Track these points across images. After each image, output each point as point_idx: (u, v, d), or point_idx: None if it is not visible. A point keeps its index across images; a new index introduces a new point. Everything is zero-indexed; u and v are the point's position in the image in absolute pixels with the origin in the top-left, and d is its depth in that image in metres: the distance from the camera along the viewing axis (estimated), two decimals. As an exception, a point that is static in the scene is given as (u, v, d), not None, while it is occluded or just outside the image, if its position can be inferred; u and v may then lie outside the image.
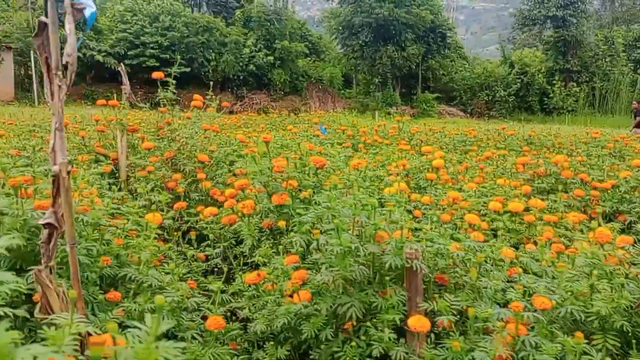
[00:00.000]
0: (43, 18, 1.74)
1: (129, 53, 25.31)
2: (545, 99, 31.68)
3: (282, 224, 2.66)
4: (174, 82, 5.26)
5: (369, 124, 10.35)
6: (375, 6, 27.75)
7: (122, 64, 17.53)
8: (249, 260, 2.83)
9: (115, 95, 24.95)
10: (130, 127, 4.73)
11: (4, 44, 23.50)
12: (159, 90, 5.35)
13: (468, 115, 30.43)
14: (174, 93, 5.26)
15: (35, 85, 23.35)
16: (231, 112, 27.07)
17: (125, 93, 15.50)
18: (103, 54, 24.95)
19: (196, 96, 5.53)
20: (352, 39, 29.28)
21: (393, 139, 6.79)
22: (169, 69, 22.64)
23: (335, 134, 7.42)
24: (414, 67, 29.42)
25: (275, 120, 12.58)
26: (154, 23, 25.64)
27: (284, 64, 27.24)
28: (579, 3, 32.62)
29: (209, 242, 3.13)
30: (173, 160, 4.46)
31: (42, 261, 1.75)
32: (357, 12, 28.49)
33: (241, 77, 26.65)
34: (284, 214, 2.95)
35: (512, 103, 30.91)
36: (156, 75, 5.16)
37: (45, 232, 1.77)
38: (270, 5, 28.61)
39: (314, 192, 3.04)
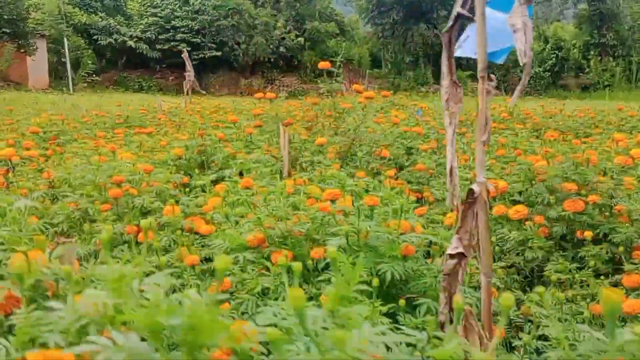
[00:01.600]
0: (460, 9, 1.53)
1: (160, 37, 25.58)
2: (581, 74, 31.17)
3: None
4: (339, 70, 4.93)
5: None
6: (406, -17, 27.57)
7: (185, 50, 17.67)
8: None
9: (144, 82, 25.09)
10: (286, 121, 4.65)
11: (37, 32, 23.92)
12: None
13: (502, 92, 30.12)
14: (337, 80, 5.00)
15: (69, 73, 23.77)
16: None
17: (189, 80, 15.58)
18: (134, 39, 25.25)
19: (356, 86, 5.12)
20: (383, 17, 29.13)
21: (509, 122, 6.36)
22: (201, 53, 22.91)
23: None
24: (447, 45, 29.20)
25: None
26: (183, 7, 25.81)
27: (315, 45, 27.26)
28: (615, -25, 31.89)
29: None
30: (347, 156, 4.28)
31: (442, 296, 1.57)
32: (388, -11, 28.33)
33: (271, 60, 26.77)
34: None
35: (548, 79, 30.50)
36: (323, 65, 4.76)
37: (451, 263, 1.55)
38: (298, -15, 28.57)
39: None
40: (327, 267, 2.01)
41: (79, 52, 24.88)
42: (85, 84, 24.19)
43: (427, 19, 28.52)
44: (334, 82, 4.94)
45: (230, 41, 26.15)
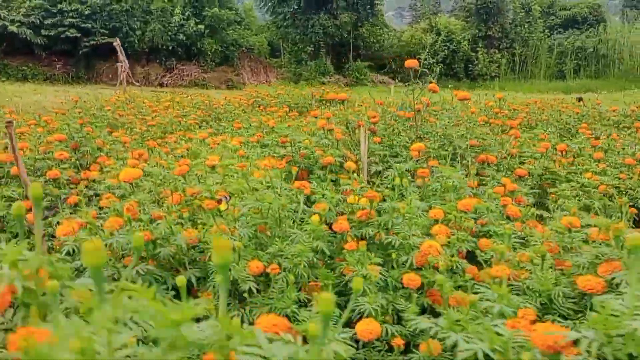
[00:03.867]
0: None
1: (46, 22, 24.27)
2: (470, 65, 33.72)
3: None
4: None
5: (385, 98, 10.62)
6: (305, -28, 28.24)
7: (117, 39, 17.12)
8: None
9: (28, 70, 23.69)
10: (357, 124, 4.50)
11: None
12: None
13: (396, 82, 31.86)
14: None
15: None
16: (161, 85, 26.79)
17: (123, 71, 15.16)
18: (17, 24, 23.75)
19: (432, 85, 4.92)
20: (283, 5, 29.63)
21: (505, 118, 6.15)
22: (92, 40, 22.14)
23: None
24: (346, 35, 30.29)
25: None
26: (71, -10, 24.66)
27: (215, 33, 27.20)
28: (497, -30, 34.72)
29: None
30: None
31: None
32: (287, -22, 28.87)
33: (170, 48, 26.35)
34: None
35: (440, 70, 32.63)
36: (410, 64, 4.73)
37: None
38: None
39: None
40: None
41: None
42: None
43: (327, 9, 29.42)
44: (419, 81, 4.83)
45: (124, 27, 25.39)
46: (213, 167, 3.22)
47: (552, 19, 38.91)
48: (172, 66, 26.81)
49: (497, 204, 3.01)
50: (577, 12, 38.46)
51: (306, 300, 2.25)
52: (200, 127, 7.29)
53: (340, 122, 5.31)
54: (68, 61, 25.94)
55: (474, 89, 26.80)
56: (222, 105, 9.57)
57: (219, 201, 2.59)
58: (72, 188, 3.55)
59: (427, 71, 5.08)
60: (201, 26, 26.28)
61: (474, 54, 33.58)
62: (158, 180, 3.18)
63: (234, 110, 9.29)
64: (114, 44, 15.19)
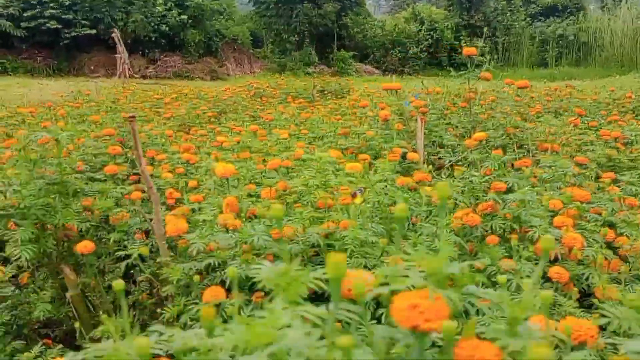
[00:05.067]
0: None
1: (25, 14, 24.04)
2: (454, 54, 34.15)
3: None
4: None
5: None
6: (288, -39, 28.32)
7: (115, 30, 16.98)
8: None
9: (7, 63, 23.41)
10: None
11: None
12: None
13: (382, 72, 32.19)
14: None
15: None
16: (144, 77, 26.72)
17: (124, 62, 15.11)
18: (-5, 15, 23.51)
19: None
20: (266, -5, 29.71)
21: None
22: (73, 31, 21.98)
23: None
24: (330, 24, 30.46)
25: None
26: (51, -20, 24.44)
27: (198, 24, 27.18)
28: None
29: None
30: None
31: None
32: (271, -33, 28.93)
33: (153, 39, 26.28)
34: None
35: (424, 59, 33.04)
36: (468, 52, 4.74)
37: None
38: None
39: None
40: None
41: None
42: None
43: (311, -2, 29.57)
44: (473, 70, 4.81)
45: (106, 18, 25.26)
46: (303, 160, 3.22)
47: (533, 7, 39.50)
48: (155, 57, 26.76)
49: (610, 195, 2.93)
50: (558, 0, 39.11)
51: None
52: (218, 120, 7.17)
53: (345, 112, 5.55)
54: (49, 53, 25.74)
55: (458, 77, 27.18)
56: (229, 97, 9.39)
57: (354, 195, 2.50)
58: (129, 184, 3.45)
59: (483, 59, 5.04)
60: (184, 16, 26.25)
61: (457, 42, 34.00)
62: (249, 173, 3.19)
63: (242, 101, 9.20)
64: (112, 35, 15.12)
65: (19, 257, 2.35)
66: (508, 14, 36.40)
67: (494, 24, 35.94)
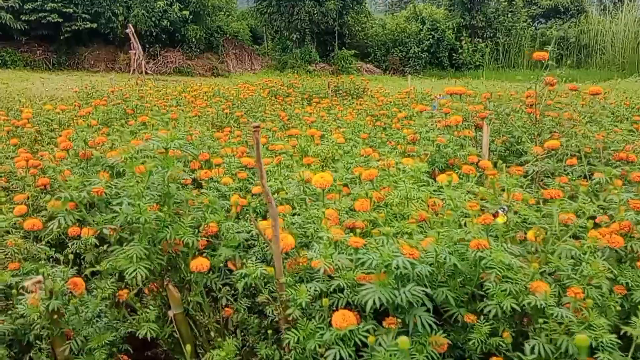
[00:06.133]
0: None
1: (25, 7, 24.08)
2: (454, 54, 34.34)
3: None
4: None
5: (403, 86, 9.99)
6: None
7: (130, 25, 16.81)
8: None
9: (7, 55, 23.36)
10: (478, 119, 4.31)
11: None
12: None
13: (383, 71, 32.35)
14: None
15: None
16: (145, 72, 26.78)
17: (138, 59, 14.98)
18: (-4, 8, 23.54)
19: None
20: (268, -8, 29.81)
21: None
22: (74, 25, 21.96)
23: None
24: (331, 23, 30.59)
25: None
26: (52, -27, 24.48)
27: (199, 19, 27.26)
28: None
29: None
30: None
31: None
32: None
33: (153, 34, 26.35)
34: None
35: (425, 59, 33.21)
36: (538, 56, 4.63)
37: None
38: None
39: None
40: None
41: None
42: None
43: (313, -4, 29.69)
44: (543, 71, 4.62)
45: (106, 12, 25.32)
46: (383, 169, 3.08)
47: (535, 9, 39.78)
48: (156, 53, 26.82)
49: None
50: (559, 2, 39.33)
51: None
52: (247, 119, 6.84)
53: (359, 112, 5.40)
54: (48, 47, 25.78)
55: (459, 77, 27.40)
56: (248, 97, 9.20)
57: (495, 214, 2.33)
58: (192, 188, 3.30)
59: (554, 63, 4.82)
60: (185, 12, 26.33)
61: (458, 43, 34.20)
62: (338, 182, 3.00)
63: (261, 100, 8.99)
64: (127, 30, 15.00)
65: (133, 275, 2.21)
66: (509, 15, 36.62)
67: (495, 24, 36.18)
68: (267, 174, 3.35)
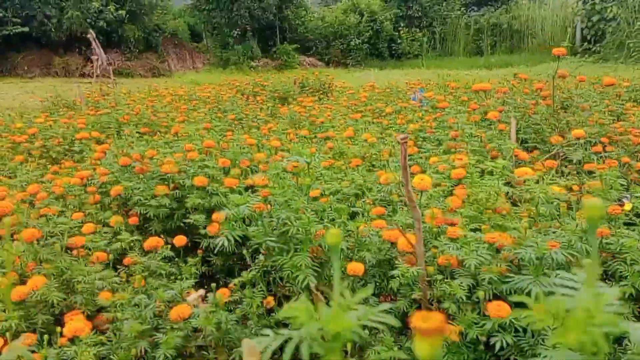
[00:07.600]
0: None
1: (-50, 12, 23.17)
2: (394, 45, 35.26)
3: None
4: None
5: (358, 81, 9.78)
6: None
7: (91, 31, 16.58)
8: None
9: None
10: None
11: None
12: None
13: (326, 64, 32.89)
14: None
15: None
16: (82, 75, 26.21)
17: (100, 64, 14.72)
18: None
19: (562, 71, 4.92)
20: (205, -11, 29.68)
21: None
22: (5, 30, 21.37)
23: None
24: (272, 17, 30.82)
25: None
26: (-24, -24, 23.63)
27: (136, 19, 26.94)
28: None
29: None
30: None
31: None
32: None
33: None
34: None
35: (366, 50, 33.96)
36: (557, 52, 4.96)
37: None
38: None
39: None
40: None
41: None
42: None
43: (251, -9, 29.79)
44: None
45: (38, 15, 24.67)
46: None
47: (467, -3, 41.27)
48: (93, 54, 26.29)
49: None
50: (490, -11, 40.92)
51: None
52: (241, 124, 6.77)
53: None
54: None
55: (399, 67, 28.27)
56: (228, 98, 8.86)
57: (622, 203, 2.45)
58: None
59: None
60: (122, 12, 25.96)
61: (396, 33, 35.05)
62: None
63: (237, 101, 8.67)
64: (88, 35, 14.81)
65: (306, 283, 2.40)
66: (443, 4, 37.85)
67: (431, 14, 37.33)
68: (320, 176, 3.51)
